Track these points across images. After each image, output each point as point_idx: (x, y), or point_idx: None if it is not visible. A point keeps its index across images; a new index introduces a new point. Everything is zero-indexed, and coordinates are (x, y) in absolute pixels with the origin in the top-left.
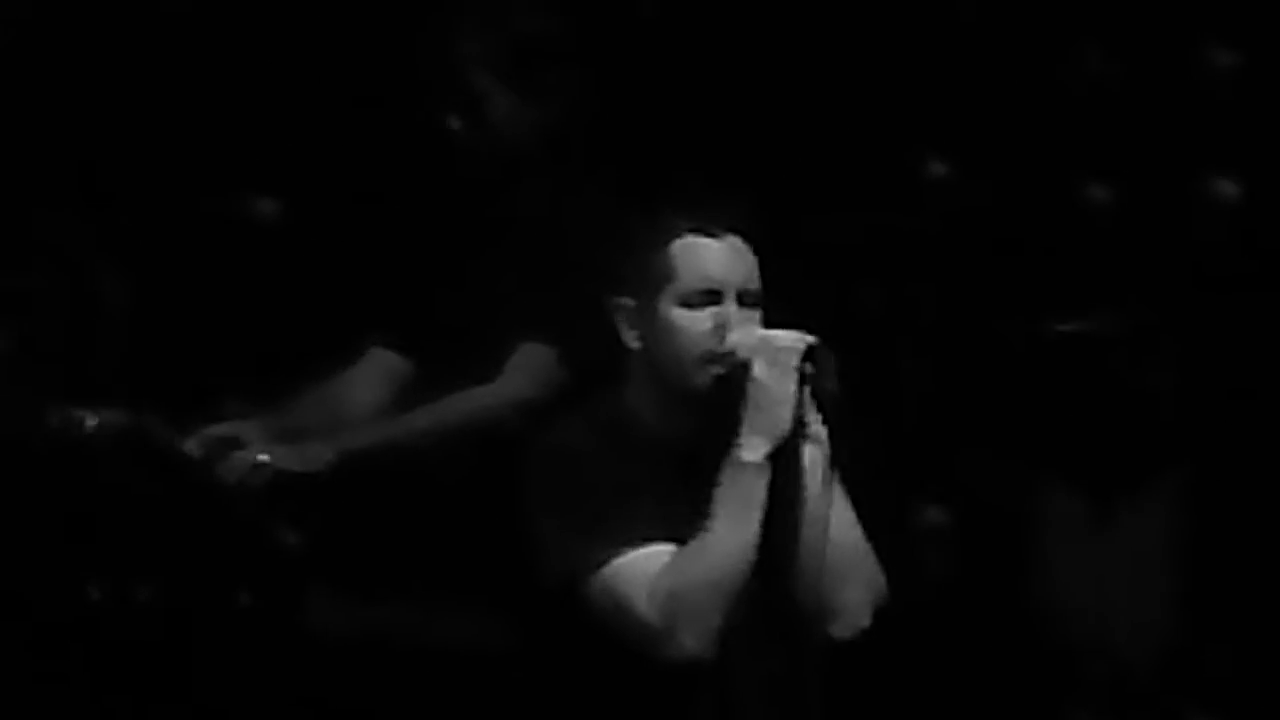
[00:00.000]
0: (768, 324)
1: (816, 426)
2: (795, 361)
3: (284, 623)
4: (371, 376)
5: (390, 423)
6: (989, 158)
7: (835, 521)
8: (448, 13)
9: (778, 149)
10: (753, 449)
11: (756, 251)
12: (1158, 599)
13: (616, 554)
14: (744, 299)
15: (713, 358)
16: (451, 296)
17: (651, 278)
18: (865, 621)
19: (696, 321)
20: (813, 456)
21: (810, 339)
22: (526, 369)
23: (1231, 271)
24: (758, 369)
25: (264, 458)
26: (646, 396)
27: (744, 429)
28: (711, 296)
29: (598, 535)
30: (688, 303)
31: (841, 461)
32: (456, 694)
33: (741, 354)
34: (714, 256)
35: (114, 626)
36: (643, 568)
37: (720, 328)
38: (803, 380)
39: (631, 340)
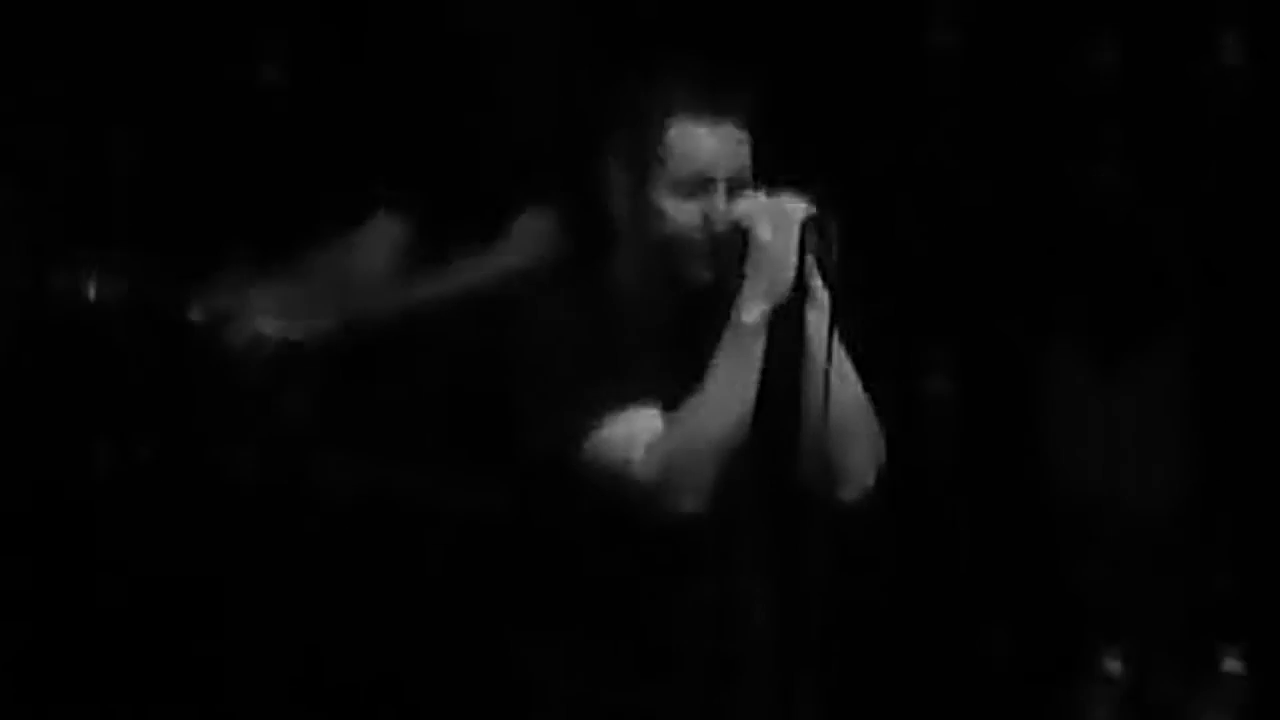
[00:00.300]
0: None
1: (819, 289)
2: (797, 224)
3: (288, 484)
4: (375, 243)
5: (394, 291)
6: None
7: (838, 383)
8: None
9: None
10: (751, 309)
11: (753, 131)
12: (1168, 454)
13: (606, 419)
14: (734, 187)
15: (697, 250)
16: (454, 161)
17: (644, 159)
18: (870, 482)
19: (684, 212)
20: (815, 319)
21: (812, 207)
22: (528, 237)
23: (1238, 136)
24: (760, 230)
25: (270, 327)
26: (635, 274)
27: (745, 289)
28: (702, 186)
29: (583, 407)
30: (679, 190)
31: (844, 325)
32: (457, 558)
33: (743, 219)
34: (707, 145)
35: (118, 485)
36: (633, 428)
37: (710, 216)
38: (804, 243)
39: (622, 211)
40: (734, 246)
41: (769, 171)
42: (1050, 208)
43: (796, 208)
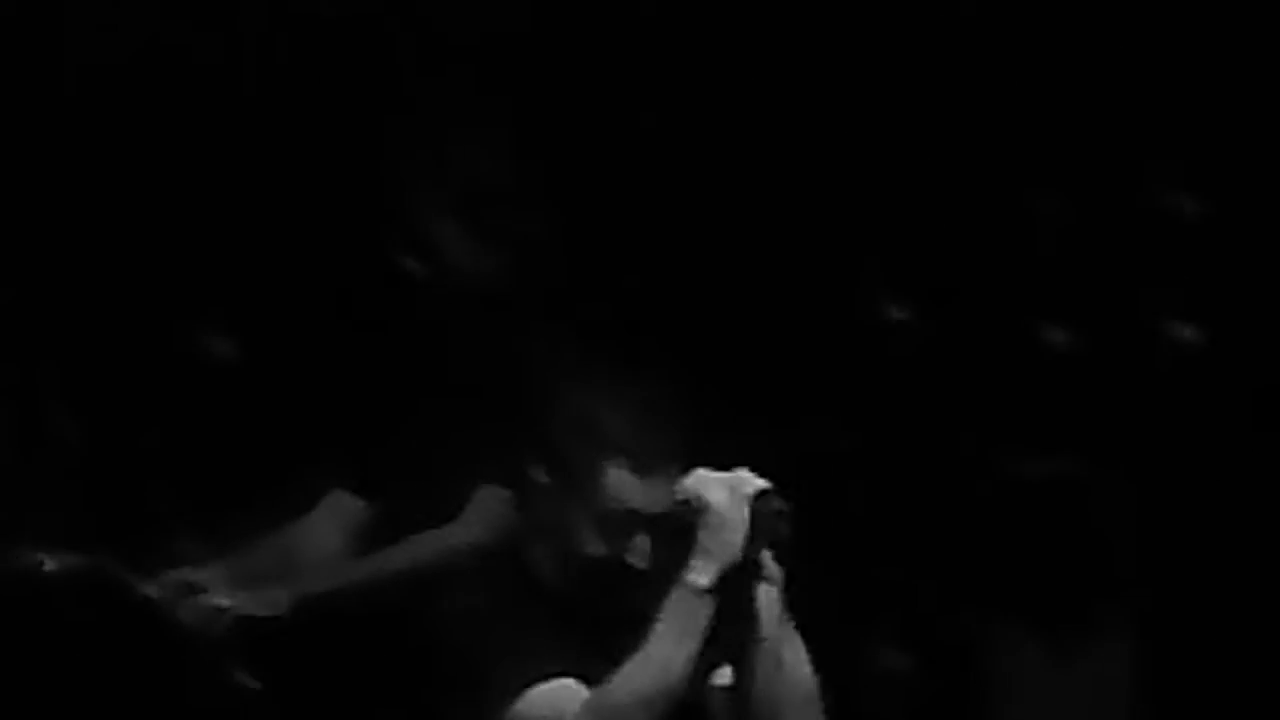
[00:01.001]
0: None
1: (770, 564)
2: (750, 490)
3: None
4: (329, 520)
5: (349, 567)
6: (944, 299)
7: (789, 660)
8: (407, 155)
9: (734, 290)
10: (702, 573)
11: (701, 429)
12: None
13: (519, 696)
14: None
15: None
16: (408, 440)
17: (572, 488)
18: None
19: (612, 538)
20: (767, 594)
21: (763, 482)
22: (482, 513)
23: (1189, 414)
24: (712, 496)
25: (224, 602)
26: (550, 550)
27: (695, 555)
28: (630, 520)
29: (498, 684)
30: (604, 521)
31: (793, 602)
32: None
33: (695, 491)
34: (638, 492)
35: None
36: (557, 696)
37: (636, 552)
38: (755, 515)
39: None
40: (676, 520)
41: (716, 454)
42: (997, 487)
43: (750, 480)
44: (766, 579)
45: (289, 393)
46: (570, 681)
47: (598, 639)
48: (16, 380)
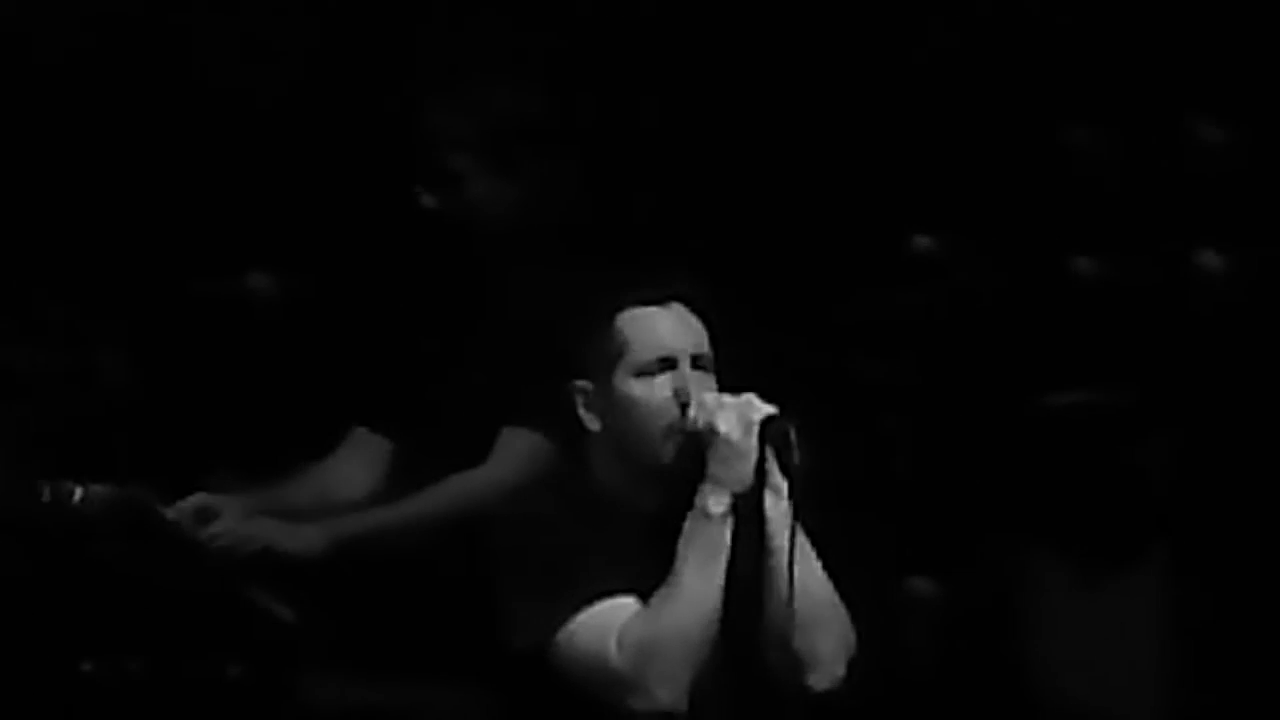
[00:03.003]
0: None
1: (778, 480)
2: (758, 417)
3: (276, 696)
4: (357, 459)
5: (382, 510)
6: (979, 232)
7: (803, 573)
8: (431, 91)
9: (767, 227)
10: (716, 500)
11: (707, 319)
12: (1148, 670)
13: (582, 613)
14: (697, 362)
15: (673, 425)
16: (434, 378)
17: (604, 356)
18: (840, 671)
19: (654, 390)
20: (776, 509)
21: (771, 408)
22: (512, 453)
23: (1220, 345)
24: (722, 423)
25: (256, 532)
26: (610, 471)
27: (707, 481)
28: (665, 364)
29: (563, 600)
30: (643, 373)
31: (806, 516)
32: None
33: (705, 414)
34: (663, 324)
35: (106, 699)
36: (609, 620)
37: (679, 392)
38: (764, 436)
39: (591, 422)
40: (700, 441)
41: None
42: (1038, 421)
43: (758, 406)
44: (774, 492)
45: (322, 331)
46: (629, 600)
47: (657, 557)
48: (63, 318)
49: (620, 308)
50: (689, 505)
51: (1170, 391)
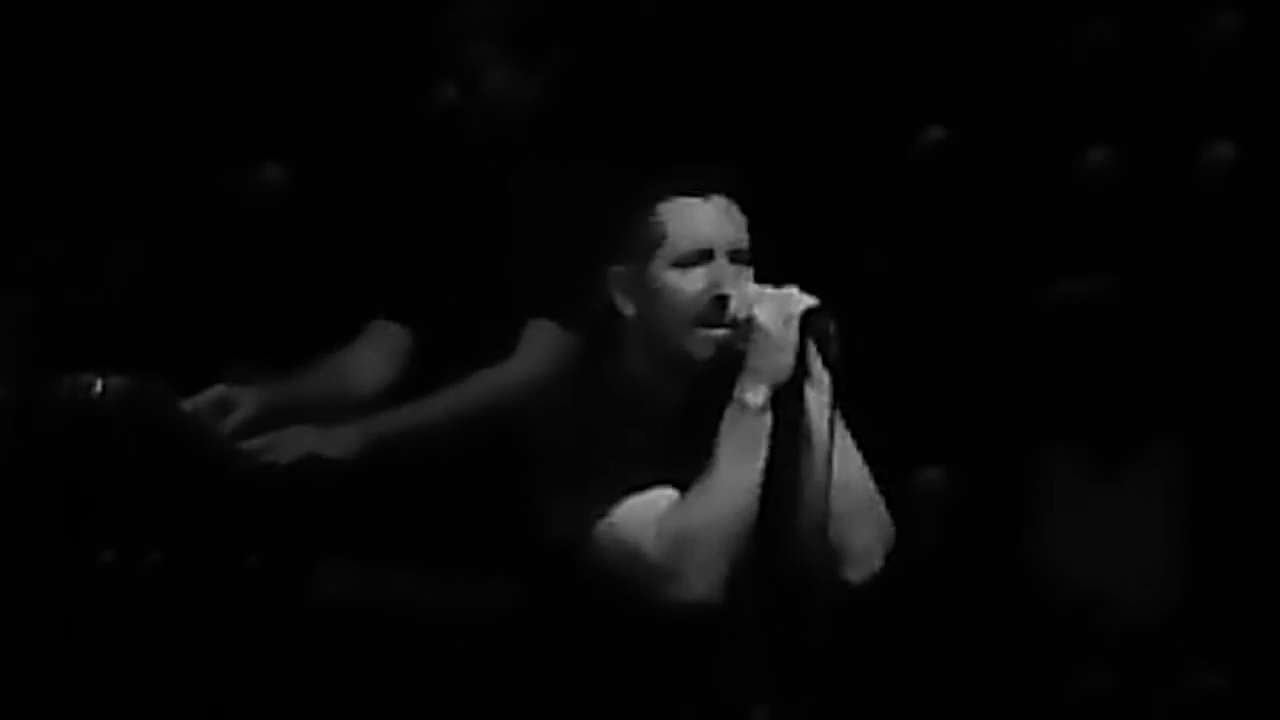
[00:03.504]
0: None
1: (819, 373)
2: (798, 309)
3: (294, 586)
4: (376, 351)
5: (413, 408)
6: (988, 123)
7: (842, 464)
8: None
9: (778, 119)
10: (755, 392)
11: (746, 213)
12: (1162, 554)
13: (618, 504)
14: (735, 257)
15: (711, 320)
16: (453, 270)
17: (643, 242)
18: (878, 564)
19: (690, 281)
20: (816, 400)
21: (812, 299)
22: (539, 348)
23: (1228, 233)
24: (761, 314)
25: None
26: (643, 360)
27: (746, 373)
28: (703, 256)
29: (599, 492)
30: (680, 263)
31: (845, 410)
32: (463, 658)
33: (744, 306)
34: (703, 216)
35: (124, 590)
36: (647, 511)
37: (714, 285)
38: (804, 329)
39: (626, 308)
40: (739, 333)
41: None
42: (1050, 310)
43: (798, 298)
44: (814, 384)
45: (336, 222)
46: (667, 491)
47: (691, 449)
48: (79, 209)
49: (661, 197)
50: (722, 398)
51: (1178, 278)
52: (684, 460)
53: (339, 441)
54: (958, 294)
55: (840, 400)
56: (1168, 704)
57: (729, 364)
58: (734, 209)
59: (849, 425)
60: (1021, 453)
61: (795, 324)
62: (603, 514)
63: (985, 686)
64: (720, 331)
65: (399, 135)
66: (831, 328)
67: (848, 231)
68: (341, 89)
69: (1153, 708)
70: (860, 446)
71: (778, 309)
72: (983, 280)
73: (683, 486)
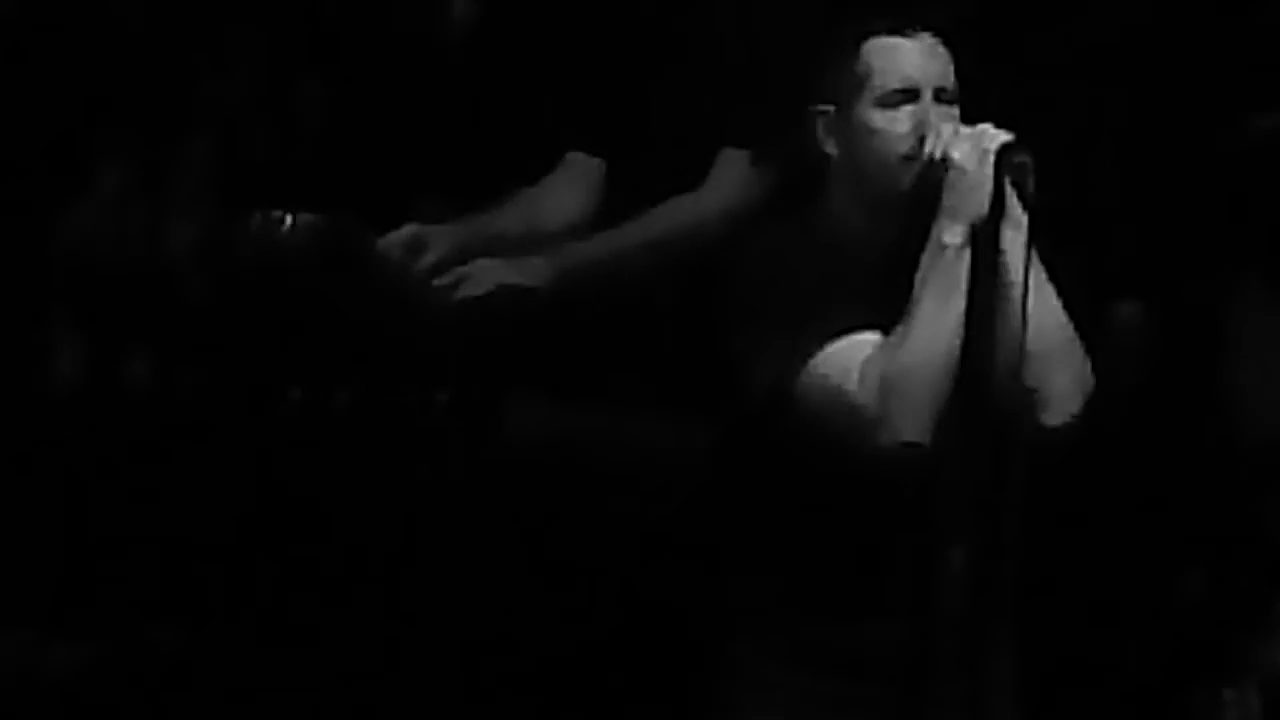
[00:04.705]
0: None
1: (1016, 211)
2: (994, 146)
3: (485, 423)
4: (569, 183)
5: (605, 237)
6: None
7: (1039, 306)
8: None
9: None
10: (952, 231)
11: (951, 49)
12: None
13: (823, 347)
14: (941, 96)
15: (912, 156)
16: (649, 99)
17: (847, 81)
18: (1075, 408)
19: (894, 122)
20: (1012, 239)
21: (1007, 135)
22: (730, 176)
23: None
24: (957, 153)
25: (483, 272)
26: (847, 201)
27: (943, 212)
28: (908, 95)
29: (805, 333)
30: (885, 103)
31: (1044, 249)
32: (651, 494)
33: (940, 143)
34: (909, 55)
35: (315, 427)
36: (851, 355)
37: (919, 125)
38: (1000, 168)
39: (830, 147)
40: (937, 174)
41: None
42: (1244, 144)
43: (994, 135)
44: (1013, 226)
45: (527, 56)
46: (870, 335)
47: (897, 289)
48: (262, 49)
49: (868, 35)
50: (926, 238)
51: None
52: (890, 303)
53: (530, 272)
54: (1153, 125)
55: (1037, 239)
56: None
57: (933, 203)
58: (940, 47)
59: (1046, 265)
60: (1218, 286)
61: (990, 161)
62: (808, 358)
63: (1181, 525)
64: (920, 165)
65: None
66: (1029, 164)
67: (1043, 65)
68: None
69: None
70: (1057, 287)
71: (972, 146)
72: (1177, 112)
73: (888, 330)
